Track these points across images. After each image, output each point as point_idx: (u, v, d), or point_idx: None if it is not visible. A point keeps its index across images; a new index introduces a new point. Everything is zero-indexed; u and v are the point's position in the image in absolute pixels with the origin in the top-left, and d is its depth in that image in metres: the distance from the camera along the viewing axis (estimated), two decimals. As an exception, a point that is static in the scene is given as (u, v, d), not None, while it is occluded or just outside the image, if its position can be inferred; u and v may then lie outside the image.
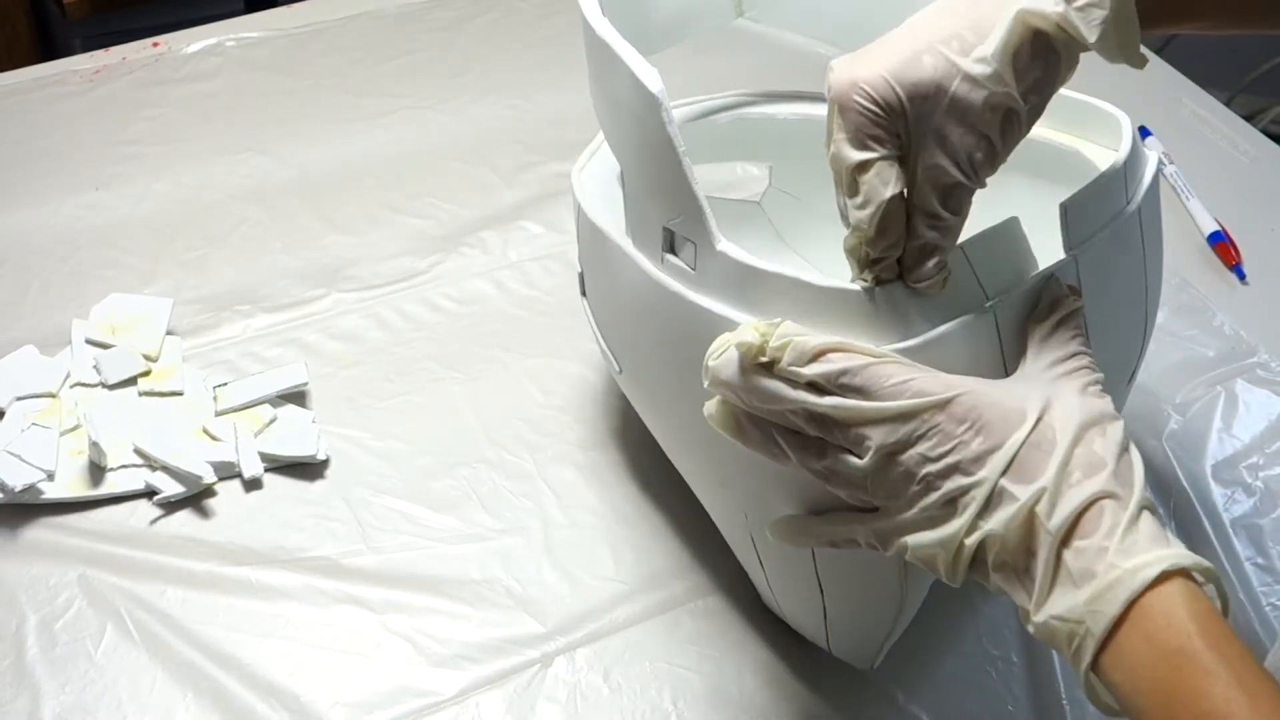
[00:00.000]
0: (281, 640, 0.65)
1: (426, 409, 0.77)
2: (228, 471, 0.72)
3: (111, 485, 0.71)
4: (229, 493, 0.72)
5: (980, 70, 0.49)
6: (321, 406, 0.77)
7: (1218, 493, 0.74)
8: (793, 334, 0.48)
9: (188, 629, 0.65)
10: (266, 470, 0.73)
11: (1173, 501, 0.74)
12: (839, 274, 0.52)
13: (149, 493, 0.71)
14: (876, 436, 0.47)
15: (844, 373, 0.48)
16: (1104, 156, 0.65)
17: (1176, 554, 0.44)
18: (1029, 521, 0.45)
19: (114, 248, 0.88)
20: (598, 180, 0.66)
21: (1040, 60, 0.50)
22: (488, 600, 0.67)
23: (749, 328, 0.49)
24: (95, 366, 0.76)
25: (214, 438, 0.73)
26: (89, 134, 0.98)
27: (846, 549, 0.52)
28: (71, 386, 0.76)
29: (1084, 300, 0.53)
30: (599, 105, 0.59)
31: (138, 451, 0.72)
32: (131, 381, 0.76)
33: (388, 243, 0.89)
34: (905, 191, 0.50)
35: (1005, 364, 0.52)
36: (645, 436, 0.68)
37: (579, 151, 0.68)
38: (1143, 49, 0.52)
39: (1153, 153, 0.62)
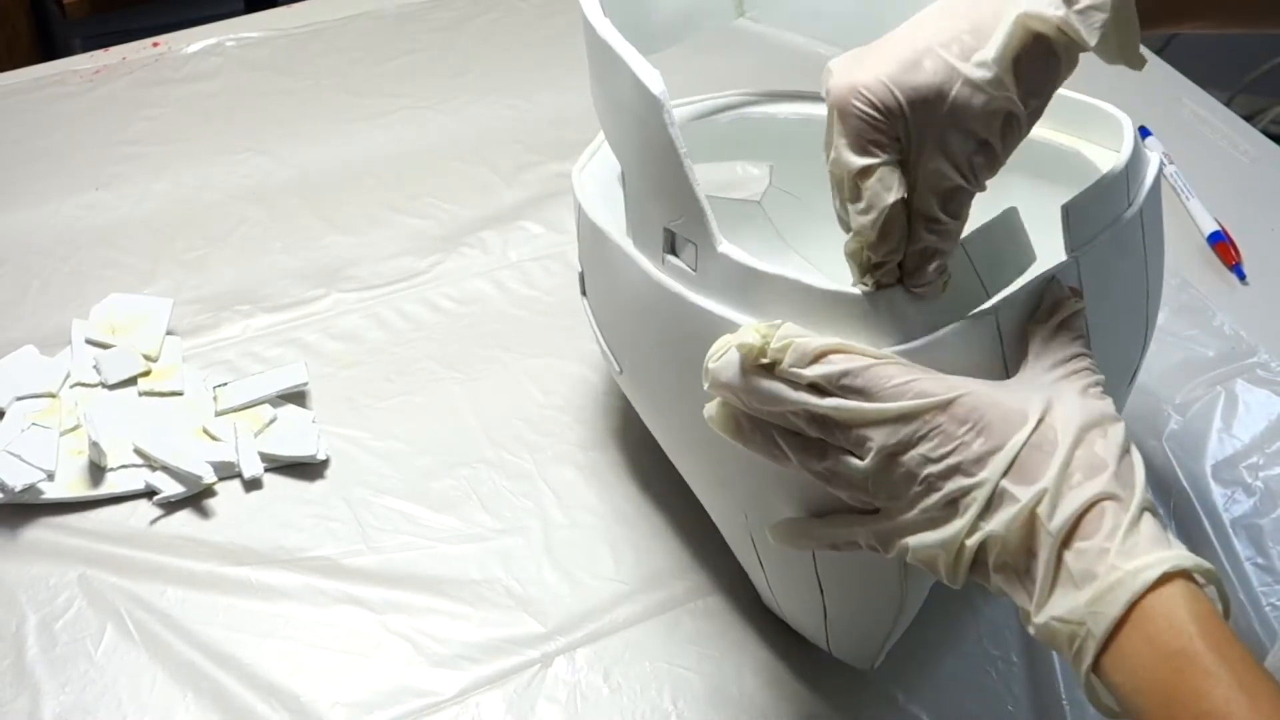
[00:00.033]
0: (281, 640, 0.65)
1: (426, 409, 0.77)
2: (228, 471, 0.72)
3: (111, 485, 0.71)
4: (229, 493, 0.72)
5: (980, 75, 0.48)
6: (321, 406, 0.77)
7: (1218, 493, 0.74)
8: (794, 335, 0.48)
9: (188, 629, 0.65)
10: (266, 470, 0.73)
11: (1173, 502, 0.74)
12: (840, 274, 0.52)
13: (149, 493, 0.71)
14: (878, 438, 0.47)
15: (845, 374, 0.48)
16: (1105, 157, 0.65)
17: (1178, 555, 0.44)
18: (1030, 522, 0.45)
19: (114, 248, 0.88)
20: (598, 180, 0.66)
21: (1040, 63, 0.49)
22: (488, 600, 0.67)
23: (750, 329, 0.49)
24: (95, 366, 0.76)
25: (214, 438, 0.73)
26: (89, 134, 0.98)
27: (847, 550, 0.52)
28: (71, 386, 0.76)
29: (1085, 302, 0.53)
30: (600, 105, 0.59)
31: (138, 451, 0.72)
32: (131, 381, 0.76)
33: (388, 243, 0.89)
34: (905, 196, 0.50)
35: (1006, 366, 0.52)
36: (645, 436, 0.68)
37: (579, 151, 0.68)
38: (1142, 49, 0.52)
39: (1154, 154, 0.62)
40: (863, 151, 0.48)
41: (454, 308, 0.84)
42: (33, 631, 0.65)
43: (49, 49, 1.64)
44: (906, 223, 0.49)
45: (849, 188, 0.49)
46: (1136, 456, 0.47)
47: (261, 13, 1.16)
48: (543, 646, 0.65)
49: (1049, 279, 0.53)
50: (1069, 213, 0.55)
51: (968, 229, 0.52)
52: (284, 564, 0.68)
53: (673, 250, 0.55)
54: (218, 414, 0.74)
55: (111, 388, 0.76)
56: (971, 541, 0.46)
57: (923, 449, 0.47)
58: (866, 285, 0.51)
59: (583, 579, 0.68)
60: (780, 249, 0.79)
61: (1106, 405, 0.49)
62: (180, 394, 0.76)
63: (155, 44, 1.07)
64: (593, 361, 0.80)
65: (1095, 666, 0.44)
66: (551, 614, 0.67)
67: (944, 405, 0.47)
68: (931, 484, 0.47)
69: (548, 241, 0.90)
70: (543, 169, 0.96)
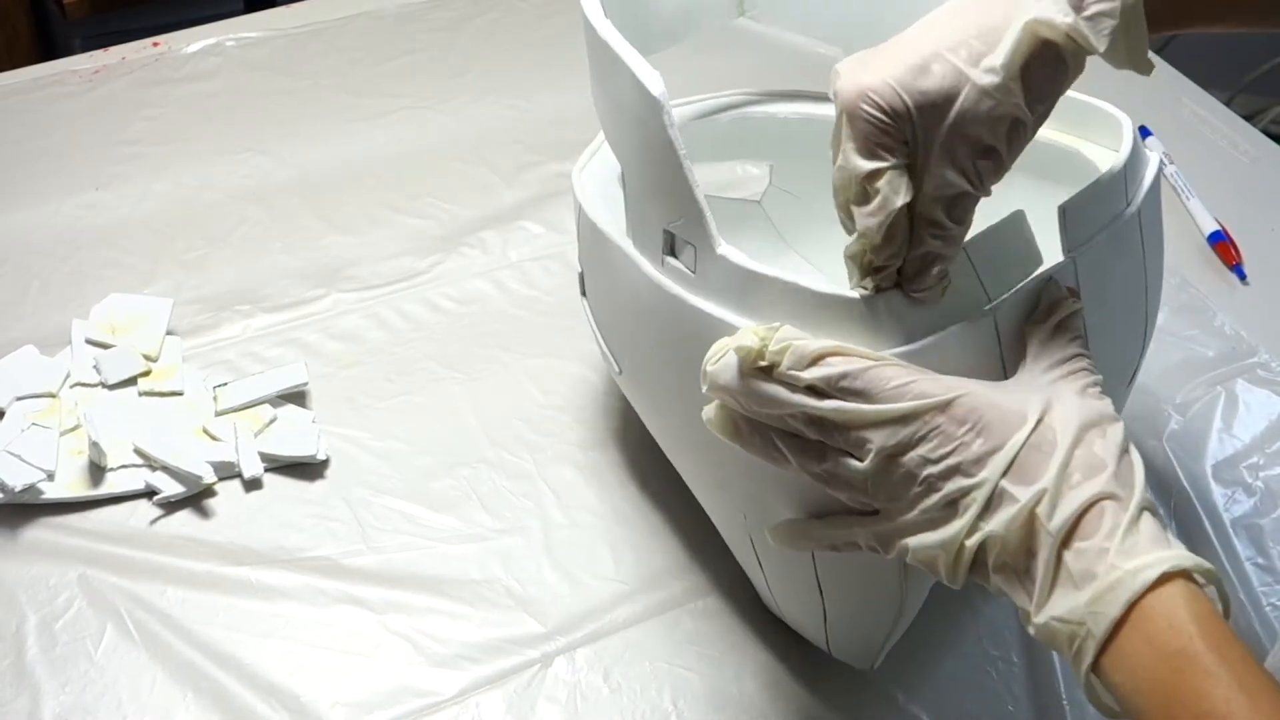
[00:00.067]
0: (281, 640, 0.65)
1: (426, 409, 0.77)
2: (228, 471, 0.72)
3: (111, 485, 0.71)
4: (229, 493, 0.72)
5: (989, 81, 0.48)
6: (321, 406, 0.77)
7: (1218, 493, 0.74)
8: (792, 338, 0.48)
9: (188, 629, 0.65)
10: (266, 470, 0.73)
11: (1173, 502, 0.74)
12: (839, 274, 0.52)
13: (149, 493, 0.71)
14: (877, 439, 0.47)
15: (844, 376, 0.48)
16: (1105, 157, 0.65)
17: (1177, 555, 0.44)
18: (1029, 523, 0.45)
19: (114, 248, 0.88)
20: (598, 180, 0.66)
21: (1048, 70, 0.49)
22: (488, 600, 0.67)
23: (748, 332, 0.49)
24: (95, 366, 0.76)
25: (214, 438, 0.73)
26: (89, 134, 0.98)
27: (847, 551, 0.52)
28: (71, 386, 0.76)
29: (1083, 302, 0.53)
30: (600, 106, 0.59)
31: (138, 451, 0.72)
32: (131, 381, 0.76)
33: (388, 243, 0.89)
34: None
35: (1005, 367, 0.52)
36: (645, 436, 0.68)
37: (579, 151, 0.68)
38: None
39: (1154, 154, 0.62)
40: (871, 155, 0.48)
41: (454, 308, 0.84)
42: (33, 631, 0.65)
43: (49, 49, 1.64)
44: (910, 227, 0.49)
45: (856, 190, 0.49)
46: (1136, 456, 0.47)
47: (261, 13, 1.16)
48: (543, 646, 0.65)
49: (1046, 279, 0.53)
50: (1066, 213, 0.55)
51: (971, 233, 0.52)
52: (284, 564, 0.68)
53: (672, 252, 0.55)
54: (218, 414, 0.74)
55: (111, 388, 0.76)
56: (971, 542, 0.46)
57: (922, 450, 0.47)
58: (865, 288, 0.51)
59: (583, 579, 0.68)
60: (780, 249, 0.79)
61: (1105, 405, 0.49)
62: (180, 394, 0.76)
63: (155, 44, 1.07)
64: (593, 361, 0.80)
65: (1095, 666, 0.44)
66: (551, 614, 0.67)
67: (943, 406, 0.47)
68: (931, 485, 0.47)
69: (548, 241, 0.90)
70: (543, 169, 0.96)
